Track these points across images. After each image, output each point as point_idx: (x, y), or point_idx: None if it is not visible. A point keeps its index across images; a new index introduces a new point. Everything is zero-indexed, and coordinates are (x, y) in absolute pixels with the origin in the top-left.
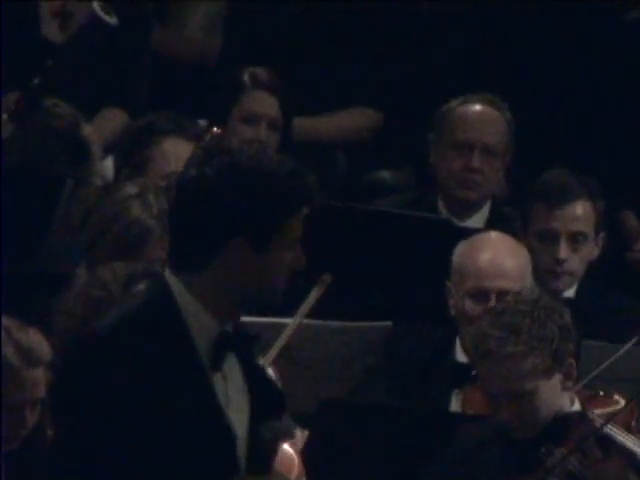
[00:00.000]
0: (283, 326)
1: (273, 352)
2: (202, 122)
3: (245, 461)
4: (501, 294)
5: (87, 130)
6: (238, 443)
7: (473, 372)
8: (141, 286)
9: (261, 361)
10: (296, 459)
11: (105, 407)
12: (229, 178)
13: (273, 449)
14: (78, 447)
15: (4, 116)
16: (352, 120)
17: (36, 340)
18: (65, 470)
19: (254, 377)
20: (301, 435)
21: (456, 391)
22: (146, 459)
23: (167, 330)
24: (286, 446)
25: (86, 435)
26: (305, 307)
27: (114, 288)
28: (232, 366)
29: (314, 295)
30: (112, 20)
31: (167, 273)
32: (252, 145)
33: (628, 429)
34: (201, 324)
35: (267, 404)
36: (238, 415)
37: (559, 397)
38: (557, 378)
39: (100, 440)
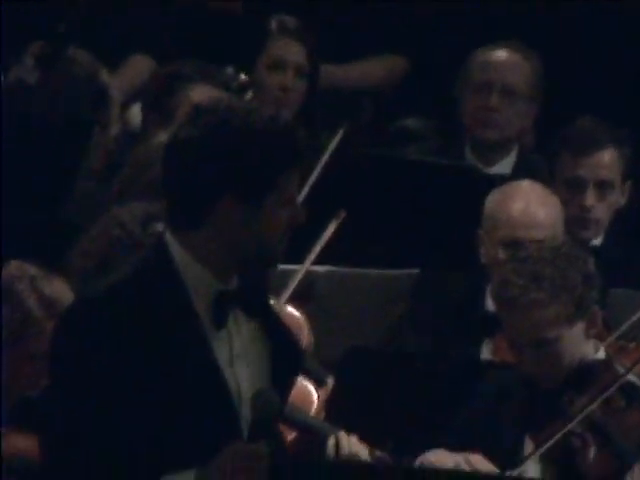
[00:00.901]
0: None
1: (289, 289)
2: (229, 69)
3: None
4: (534, 243)
5: (106, 77)
6: (242, 400)
7: None
8: (159, 226)
9: (276, 301)
10: (314, 394)
11: (100, 367)
12: (217, 136)
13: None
14: (73, 411)
15: (30, 61)
16: (379, 67)
17: (60, 290)
18: (59, 433)
19: (272, 329)
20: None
21: (487, 340)
22: (143, 419)
23: (163, 288)
24: (305, 382)
25: (81, 398)
26: (321, 241)
27: (132, 227)
28: (241, 322)
29: (330, 230)
30: None
31: (167, 232)
32: (243, 103)
33: None
34: (199, 282)
35: (285, 356)
36: (249, 370)
37: (583, 345)
38: (580, 326)
39: (96, 404)
